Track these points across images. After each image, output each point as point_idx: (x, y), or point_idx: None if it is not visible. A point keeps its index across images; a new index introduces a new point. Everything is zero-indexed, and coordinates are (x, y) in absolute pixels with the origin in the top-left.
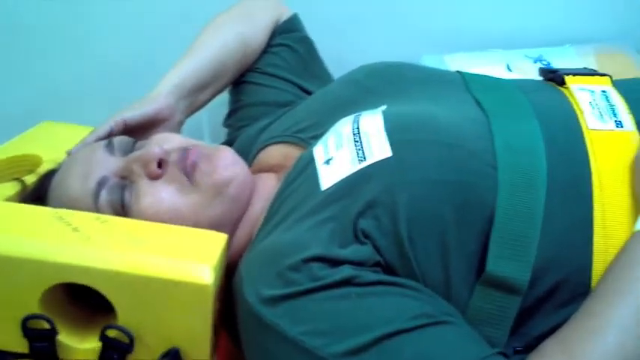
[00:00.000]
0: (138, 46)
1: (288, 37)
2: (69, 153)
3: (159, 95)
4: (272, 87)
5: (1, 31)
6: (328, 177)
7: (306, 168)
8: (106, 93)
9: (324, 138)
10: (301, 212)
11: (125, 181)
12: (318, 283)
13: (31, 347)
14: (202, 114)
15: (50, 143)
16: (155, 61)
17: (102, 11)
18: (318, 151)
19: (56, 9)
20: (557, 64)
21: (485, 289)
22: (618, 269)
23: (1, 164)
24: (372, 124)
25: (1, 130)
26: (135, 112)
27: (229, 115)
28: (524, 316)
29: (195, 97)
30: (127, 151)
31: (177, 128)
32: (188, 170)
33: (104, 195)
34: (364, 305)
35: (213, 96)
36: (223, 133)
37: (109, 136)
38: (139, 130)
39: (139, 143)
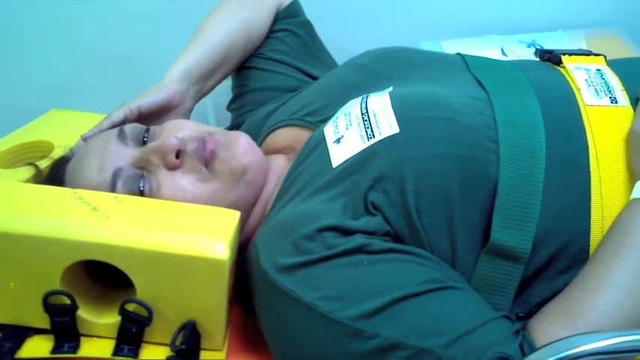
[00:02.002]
0: (140, 35)
1: (289, 22)
2: (84, 138)
3: (170, 82)
4: (276, 72)
5: (4, 24)
6: (339, 155)
7: (317, 147)
8: (110, 83)
9: (333, 118)
10: (314, 188)
11: (142, 171)
12: (332, 251)
13: (52, 322)
14: (207, 99)
15: (60, 130)
16: (158, 50)
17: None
18: (329, 131)
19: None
20: (550, 48)
21: (489, 258)
22: (615, 235)
23: (14, 150)
24: (380, 104)
25: (11, 119)
26: (148, 99)
27: (233, 100)
28: (527, 283)
29: (203, 83)
30: (140, 140)
31: (188, 114)
32: (207, 160)
33: (120, 186)
34: (376, 271)
35: (220, 81)
36: (228, 117)
37: (123, 122)
38: (151, 117)
39: (152, 130)
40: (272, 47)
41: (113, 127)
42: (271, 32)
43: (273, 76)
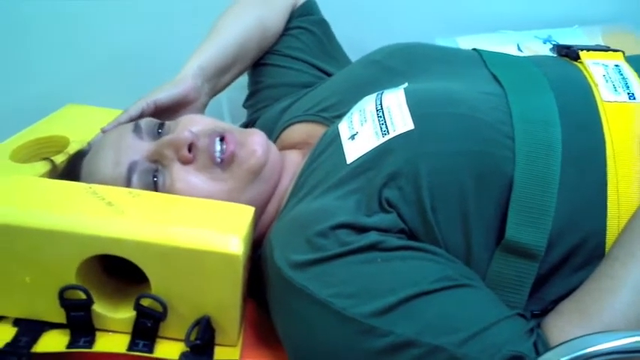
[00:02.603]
0: (151, 33)
1: (305, 19)
2: (103, 130)
3: (185, 78)
4: (291, 68)
5: (16, 22)
6: (353, 151)
7: (332, 143)
8: (122, 80)
9: (348, 115)
10: (328, 184)
11: (157, 164)
12: (346, 248)
13: (68, 317)
14: (222, 96)
15: (76, 124)
16: (169, 47)
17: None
18: (343, 127)
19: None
20: (567, 44)
21: (504, 255)
22: (631, 233)
23: (30, 145)
24: (395, 100)
25: (25, 115)
26: (165, 93)
27: (249, 97)
28: (542, 280)
29: (218, 79)
30: (155, 134)
31: (202, 110)
32: (226, 160)
33: (136, 180)
34: (389, 269)
35: (235, 78)
36: (242, 113)
37: (140, 116)
38: (167, 112)
39: (167, 125)
40: (287, 44)
41: (131, 120)
42: (286, 30)
43: (288, 72)
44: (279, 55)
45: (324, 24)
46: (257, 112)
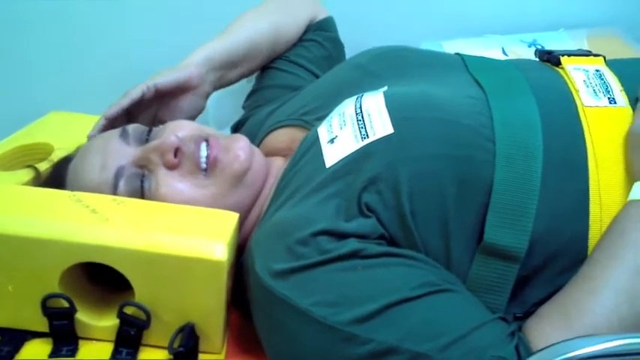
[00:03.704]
0: (140, 43)
1: (320, 34)
2: (106, 117)
3: (190, 64)
4: (291, 72)
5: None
6: (332, 155)
7: (311, 147)
8: (109, 88)
9: (327, 118)
10: (307, 189)
11: (143, 169)
12: (326, 256)
13: (51, 325)
14: (208, 102)
15: (60, 132)
16: (157, 57)
17: (106, 7)
18: (322, 131)
19: (60, 6)
20: (551, 48)
21: (484, 257)
22: (613, 235)
23: (14, 152)
24: (374, 103)
25: (10, 122)
26: (166, 77)
27: (248, 97)
28: (524, 283)
29: (224, 72)
30: (142, 139)
31: (204, 98)
32: (209, 165)
33: (122, 185)
34: (370, 276)
35: (241, 77)
36: (227, 120)
37: (141, 99)
38: (167, 96)
39: (154, 131)
40: (297, 52)
41: (132, 104)
42: (300, 40)
43: (287, 75)
44: (285, 61)
45: (338, 43)
46: (251, 111)
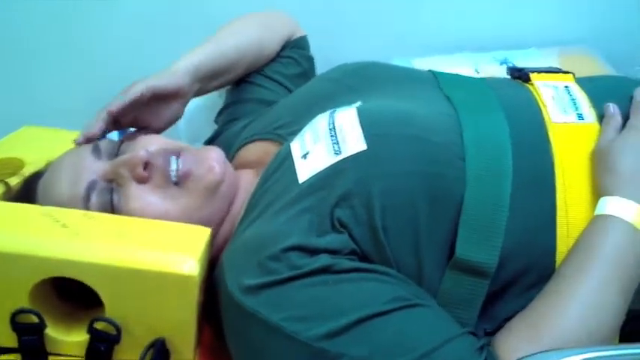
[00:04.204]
0: (125, 52)
1: (296, 52)
2: (110, 112)
3: (177, 71)
4: (266, 88)
5: None
6: (305, 170)
7: (284, 162)
8: (89, 100)
9: (301, 133)
10: (280, 204)
11: (112, 184)
12: (297, 272)
13: (19, 341)
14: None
15: (32, 147)
16: (143, 67)
17: (90, 16)
18: (295, 146)
19: (43, 14)
20: (523, 65)
21: (454, 273)
22: (579, 251)
23: None
24: (347, 119)
25: None
26: (162, 82)
27: (221, 112)
28: (494, 299)
29: (206, 83)
30: (113, 154)
31: (184, 107)
32: (181, 177)
33: (94, 199)
34: (341, 291)
35: (218, 87)
36: (199, 135)
37: (139, 99)
38: (159, 101)
39: (124, 145)
40: (273, 69)
41: (132, 102)
42: (277, 56)
43: (261, 90)
44: (262, 76)
45: (312, 61)
46: (224, 125)
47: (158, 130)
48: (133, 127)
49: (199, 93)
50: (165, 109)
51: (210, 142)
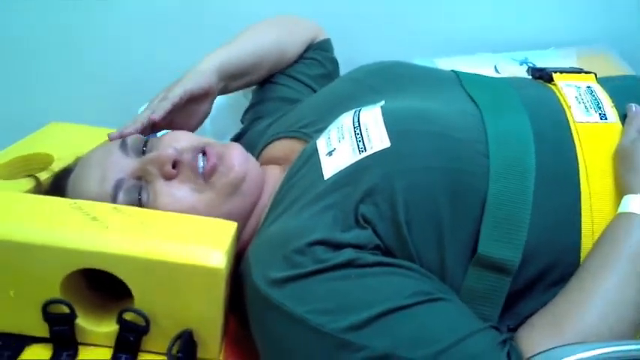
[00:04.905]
0: (139, 52)
1: (320, 53)
2: (153, 119)
3: (206, 71)
4: (288, 86)
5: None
6: (331, 167)
7: (310, 159)
8: (108, 97)
9: (326, 131)
10: (305, 200)
11: (141, 181)
12: (322, 265)
13: (51, 331)
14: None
15: (59, 142)
16: (158, 66)
17: (107, 16)
18: (321, 144)
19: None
20: (542, 65)
21: (477, 269)
22: (602, 247)
23: (14, 162)
24: (372, 117)
25: (10, 132)
26: (196, 84)
27: (246, 111)
28: (517, 295)
29: (230, 82)
30: (139, 150)
31: (212, 105)
32: (207, 173)
33: (122, 197)
34: (365, 284)
35: (241, 87)
36: (225, 132)
37: (179, 103)
38: (191, 102)
39: (150, 142)
40: (297, 69)
41: (173, 107)
42: (301, 58)
43: (287, 89)
44: (286, 76)
45: (335, 63)
46: (248, 125)
47: (192, 130)
48: (168, 129)
49: (222, 92)
50: (197, 110)
51: (235, 140)
